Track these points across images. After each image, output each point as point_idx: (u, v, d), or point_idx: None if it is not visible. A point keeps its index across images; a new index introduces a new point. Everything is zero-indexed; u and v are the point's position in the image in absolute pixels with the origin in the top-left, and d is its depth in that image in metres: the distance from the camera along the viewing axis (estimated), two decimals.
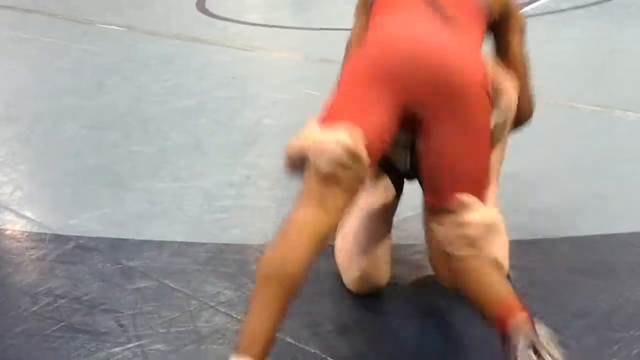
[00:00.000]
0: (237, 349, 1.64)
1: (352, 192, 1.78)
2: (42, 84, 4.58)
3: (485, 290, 1.76)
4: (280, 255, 1.71)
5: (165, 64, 4.85)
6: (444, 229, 1.84)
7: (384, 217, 2.22)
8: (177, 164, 3.27)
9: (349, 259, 2.20)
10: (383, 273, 2.18)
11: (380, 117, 1.80)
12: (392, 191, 2.23)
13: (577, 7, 5.50)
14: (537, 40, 4.81)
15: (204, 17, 5.94)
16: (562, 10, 5.47)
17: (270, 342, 1.65)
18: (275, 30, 5.56)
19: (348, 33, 2.17)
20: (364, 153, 1.74)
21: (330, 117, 1.82)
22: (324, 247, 1.78)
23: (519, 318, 1.64)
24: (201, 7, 6.19)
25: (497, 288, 1.75)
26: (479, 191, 1.86)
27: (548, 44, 4.83)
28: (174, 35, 5.41)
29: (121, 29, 5.71)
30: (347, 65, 1.97)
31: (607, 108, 3.62)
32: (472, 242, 1.83)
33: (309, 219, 1.74)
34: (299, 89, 4.29)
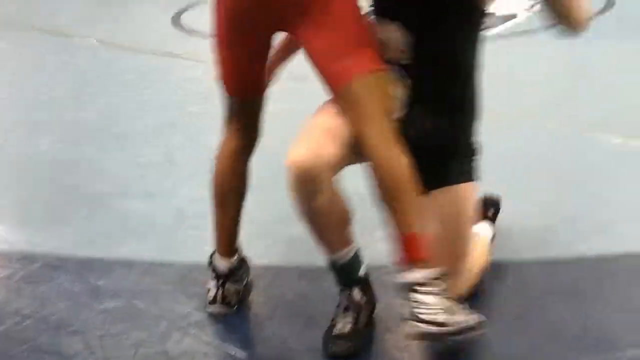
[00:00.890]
0: None
1: None
2: (17, 97, 4.55)
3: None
4: None
5: (139, 78, 4.83)
6: None
7: None
8: (149, 181, 3.26)
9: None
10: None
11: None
12: None
13: (549, 27, 5.53)
14: (508, 60, 4.88)
15: (179, 32, 5.92)
16: (534, 31, 5.49)
17: None
18: None
19: None
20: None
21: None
22: None
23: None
24: (176, 22, 6.17)
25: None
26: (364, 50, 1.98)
27: (519, 63, 4.86)
28: (149, 49, 5.39)
29: (97, 42, 5.68)
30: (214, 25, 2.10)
31: (578, 128, 3.65)
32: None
33: None
34: (274, 104, 4.27)
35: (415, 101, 2.08)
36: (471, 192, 2.18)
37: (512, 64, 4.84)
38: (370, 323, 2.12)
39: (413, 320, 1.86)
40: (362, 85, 1.95)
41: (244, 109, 2.24)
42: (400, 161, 1.94)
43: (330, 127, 1.97)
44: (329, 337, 2.05)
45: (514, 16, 5.82)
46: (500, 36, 5.34)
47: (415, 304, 1.87)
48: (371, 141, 1.93)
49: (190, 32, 5.84)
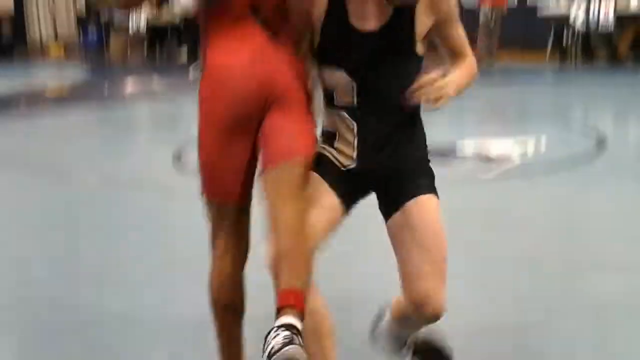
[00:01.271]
0: None
1: None
2: (10, 235, 4.57)
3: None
4: None
5: (140, 218, 4.86)
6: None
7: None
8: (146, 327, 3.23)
9: None
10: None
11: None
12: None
13: (544, 172, 5.65)
14: (502, 203, 4.94)
15: (180, 172, 6.01)
16: (530, 174, 5.61)
17: None
18: None
19: None
20: None
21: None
22: None
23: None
24: (177, 162, 6.27)
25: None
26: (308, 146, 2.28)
27: (513, 206, 4.92)
28: (150, 189, 5.45)
29: (97, 180, 5.75)
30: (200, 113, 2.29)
31: (572, 268, 3.67)
32: None
33: None
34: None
35: (369, 137, 2.31)
36: (437, 202, 2.35)
37: (508, 205, 4.90)
38: None
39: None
40: (298, 165, 2.22)
41: (229, 217, 2.34)
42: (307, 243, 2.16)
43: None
44: None
45: (509, 159, 5.93)
46: (496, 178, 5.44)
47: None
48: (285, 215, 2.16)
49: (191, 172, 5.92)
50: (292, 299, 2.06)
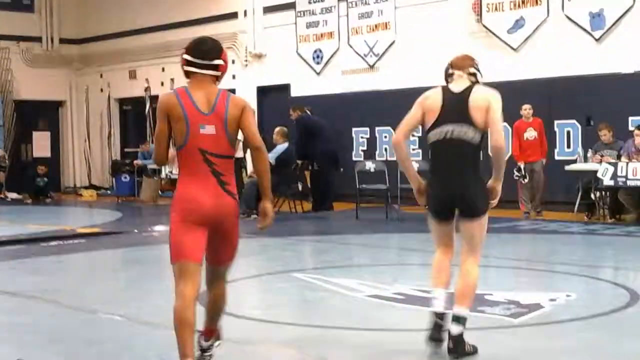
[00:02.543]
0: None
1: None
2: None
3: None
4: None
5: (162, 354, 4.80)
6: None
7: None
8: None
9: None
10: None
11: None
12: None
13: (576, 319, 5.55)
14: (533, 349, 4.84)
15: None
16: (561, 322, 5.50)
17: None
18: (273, 326, 5.56)
19: None
20: None
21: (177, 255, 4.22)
22: None
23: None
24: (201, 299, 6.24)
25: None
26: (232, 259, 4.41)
27: (544, 353, 4.81)
28: (172, 326, 5.40)
29: (121, 319, 5.72)
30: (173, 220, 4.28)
31: None
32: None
33: None
34: None
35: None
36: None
37: (539, 354, 4.79)
38: None
39: None
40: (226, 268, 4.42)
41: (189, 268, 4.17)
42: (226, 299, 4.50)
43: None
44: None
45: (539, 306, 5.84)
46: (526, 325, 5.34)
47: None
48: (219, 290, 4.44)
49: None
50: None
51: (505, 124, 5.47)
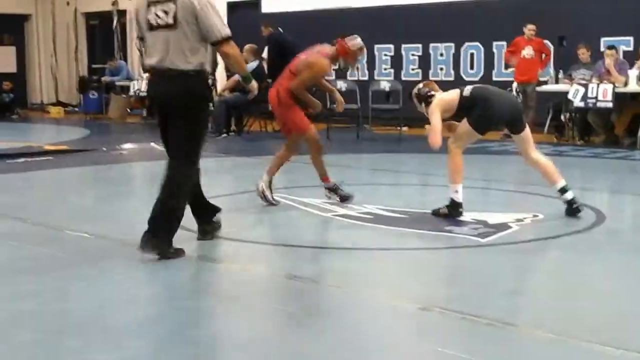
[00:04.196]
0: None
1: None
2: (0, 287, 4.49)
3: None
4: None
5: (130, 272, 4.79)
6: None
7: None
8: None
9: None
10: None
11: None
12: None
13: (542, 239, 5.62)
14: (499, 268, 4.91)
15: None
16: (528, 241, 5.57)
17: None
18: (243, 244, 5.57)
19: None
20: None
21: None
22: None
23: None
24: None
25: None
26: None
27: (510, 271, 4.87)
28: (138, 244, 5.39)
29: (90, 236, 5.69)
30: None
31: (568, 337, 3.58)
32: None
33: None
34: (266, 303, 4.25)
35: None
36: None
37: (506, 273, 4.85)
38: None
39: None
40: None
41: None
42: None
43: None
44: None
45: (506, 226, 5.90)
46: (493, 245, 5.40)
47: None
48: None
49: (185, 228, 5.88)
50: None
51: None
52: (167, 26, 5.05)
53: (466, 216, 6.15)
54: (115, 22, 18.26)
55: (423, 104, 6.27)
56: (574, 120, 11.98)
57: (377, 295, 4.31)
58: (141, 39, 5.29)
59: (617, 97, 11.09)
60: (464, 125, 6.09)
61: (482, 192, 7.64)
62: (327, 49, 6.74)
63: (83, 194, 8.02)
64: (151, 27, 5.14)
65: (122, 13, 18.39)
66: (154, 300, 4.36)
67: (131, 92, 16.24)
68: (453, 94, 6.16)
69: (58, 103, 20.09)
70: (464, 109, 6.09)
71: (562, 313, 4.02)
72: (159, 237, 4.99)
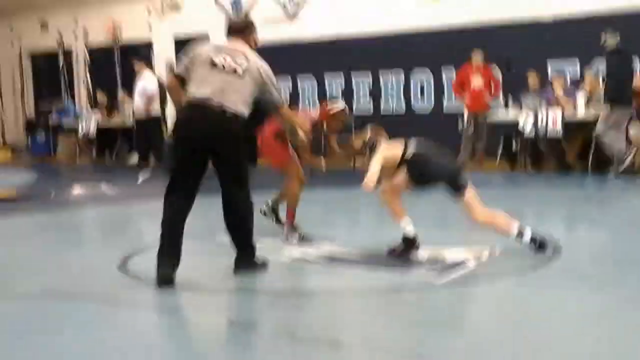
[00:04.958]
0: None
1: None
2: None
3: None
4: None
5: (80, 329, 4.62)
6: None
7: None
8: None
9: None
10: None
11: None
12: None
13: (501, 274, 5.57)
14: (459, 309, 4.83)
15: (125, 277, 5.79)
16: (488, 278, 5.51)
17: None
18: (201, 294, 5.42)
19: None
20: None
21: None
22: None
23: None
24: (123, 267, 6.05)
25: None
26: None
27: (471, 313, 4.79)
28: (92, 298, 5.22)
29: (39, 290, 5.49)
30: None
31: None
32: None
33: None
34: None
35: None
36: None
37: (461, 310, 4.78)
38: None
39: None
40: None
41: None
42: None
43: None
44: None
45: (464, 264, 5.84)
46: (452, 283, 5.33)
47: None
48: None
49: (137, 277, 5.72)
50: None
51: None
52: (234, 72, 5.49)
53: (423, 254, 6.09)
54: (61, 61, 18.01)
55: (368, 150, 6.29)
56: (525, 148, 12.05)
57: (327, 340, 4.21)
58: (184, 69, 5.59)
59: (567, 124, 11.20)
60: (402, 176, 6.09)
61: (440, 223, 7.58)
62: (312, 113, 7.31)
63: (30, 244, 7.78)
64: (214, 65, 5.47)
65: (68, 53, 18.17)
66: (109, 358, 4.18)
67: (80, 133, 16.00)
68: (397, 150, 6.17)
69: (5, 146, 19.70)
70: (404, 164, 6.11)
71: (520, 356, 3.94)
72: (247, 254, 5.72)
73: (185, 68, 5.57)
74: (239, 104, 5.45)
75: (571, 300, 4.95)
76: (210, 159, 5.51)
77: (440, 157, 6.25)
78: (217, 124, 5.40)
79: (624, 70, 10.89)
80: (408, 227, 6.12)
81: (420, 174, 6.10)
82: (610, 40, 10.69)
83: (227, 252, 5.84)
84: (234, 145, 5.48)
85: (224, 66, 5.47)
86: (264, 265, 5.77)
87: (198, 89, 5.43)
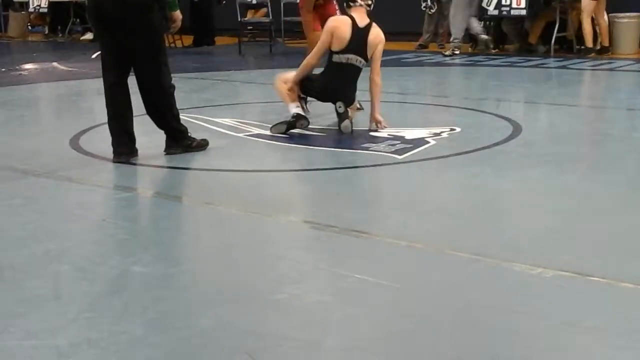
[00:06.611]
0: None
1: None
2: None
3: None
4: None
5: (28, 204, 4.50)
6: None
7: None
8: (31, 318, 2.92)
9: None
10: None
11: None
12: None
13: (459, 153, 5.50)
14: (417, 185, 4.79)
15: (77, 154, 5.65)
16: (445, 156, 5.45)
17: None
18: (153, 170, 5.31)
19: None
20: None
21: None
22: None
23: None
24: (75, 143, 5.90)
25: None
26: None
27: (428, 189, 4.76)
28: (42, 173, 5.09)
29: None
30: None
31: (486, 257, 3.48)
32: None
33: None
34: (174, 233, 4.05)
35: None
36: None
37: (423, 191, 4.73)
38: None
39: None
40: None
41: None
42: None
43: None
44: None
45: (423, 141, 5.77)
46: (409, 161, 5.27)
47: None
48: None
49: (89, 154, 5.58)
50: None
51: None
52: None
53: (383, 132, 6.01)
54: None
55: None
56: (488, 28, 11.89)
57: (285, 215, 4.15)
58: None
59: (531, 4, 11.02)
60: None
61: (399, 106, 7.50)
62: None
63: None
64: None
65: None
66: (56, 234, 4.09)
67: (31, 9, 15.45)
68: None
69: None
70: None
71: (480, 232, 3.90)
72: (176, 139, 5.45)
73: None
74: None
75: (530, 179, 4.91)
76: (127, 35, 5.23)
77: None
78: None
79: None
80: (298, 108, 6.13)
81: None
82: None
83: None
84: (140, 17, 5.20)
85: None
86: (200, 146, 5.57)
87: None
